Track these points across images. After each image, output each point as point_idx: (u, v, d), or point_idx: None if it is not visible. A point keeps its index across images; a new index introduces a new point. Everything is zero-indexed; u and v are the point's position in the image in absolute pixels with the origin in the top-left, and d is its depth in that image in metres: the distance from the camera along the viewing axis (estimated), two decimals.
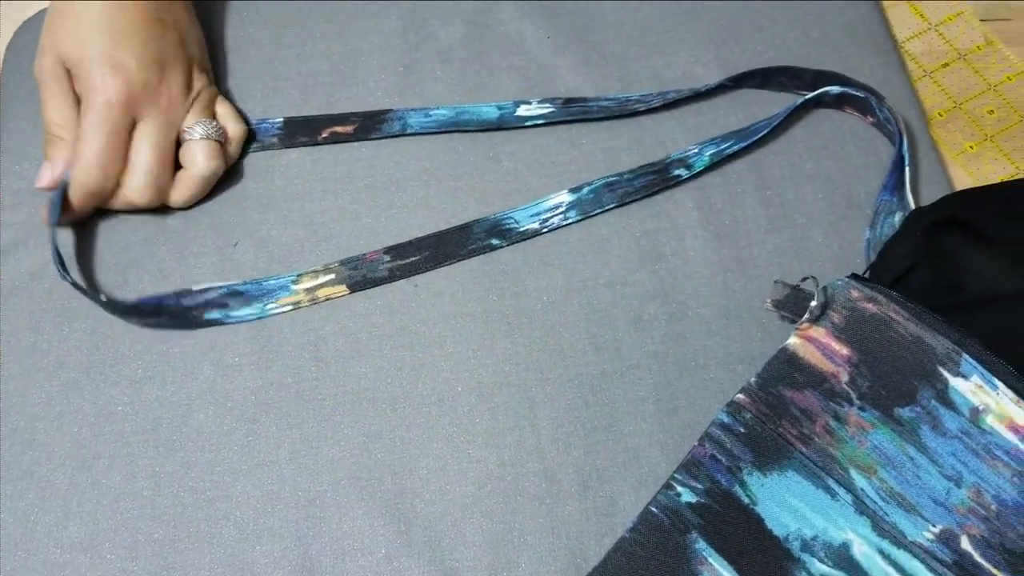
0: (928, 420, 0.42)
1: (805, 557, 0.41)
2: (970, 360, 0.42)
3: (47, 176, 0.48)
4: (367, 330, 0.49)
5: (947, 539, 0.41)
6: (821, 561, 0.41)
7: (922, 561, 0.41)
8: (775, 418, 0.42)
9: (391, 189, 0.52)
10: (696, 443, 0.42)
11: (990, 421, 0.42)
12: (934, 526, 0.41)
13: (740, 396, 0.43)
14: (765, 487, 0.41)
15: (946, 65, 0.57)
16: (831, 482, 0.42)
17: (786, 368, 0.43)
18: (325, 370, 0.48)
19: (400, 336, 0.48)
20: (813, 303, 0.43)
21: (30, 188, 0.52)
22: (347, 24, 0.57)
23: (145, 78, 0.47)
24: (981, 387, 0.42)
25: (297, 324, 0.49)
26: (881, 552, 0.41)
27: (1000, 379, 0.42)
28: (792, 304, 0.45)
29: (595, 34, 0.56)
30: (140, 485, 0.45)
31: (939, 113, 0.56)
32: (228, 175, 0.52)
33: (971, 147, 0.55)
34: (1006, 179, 0.54)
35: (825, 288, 0.44)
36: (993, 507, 0.41)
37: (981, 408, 0.42)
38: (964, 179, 0.54)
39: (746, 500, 0.41)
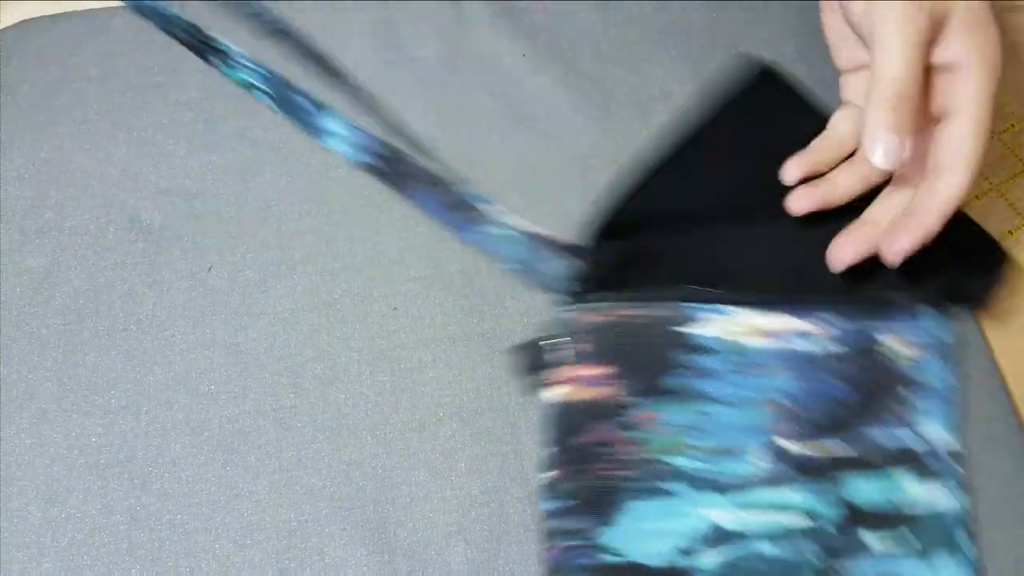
0: (695, 374, 0.44)
1: (692, 563, 0.41)
2: (693, 306, 0.45)
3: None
4: (346, 355, 0.48)
5: (773, 454, 0.43)
6: (705, 556, 0.41)
7: (769, 488, 0.42)
8: (587, 468, 0.43)
9: (368, 210, 0.51)
10: (545, 548, 0.42)
11: (743, 340, 0.45)
12: (757, 452, 0.43)
13: (548, 474, 0.43)
14: (621, 535, 0.42)
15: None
16: (660, 484, 0.42)
17: (567, 418, 0.44)
18: (304, 397, 0.47)
19: (379, 362, 0.48)
20: (552, 348, 0.44)
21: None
22: (319, 40, 0.56)
23: None
24: (716, 320, 0.45)
25: (274, 350, 0.48)
26: (740, 507, 0.42)
27: (723, 304, 0.45)
28: (540, 361, 0.45)
29: (570, 52, 0.56)
30: (116, 519, 0.44)
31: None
32: (202, 196, 0.52)
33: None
34: (980, 194, 0.55)
35: (556, 326, 0.45)
36: (788, 404, 0.44)
37: (726, 336, 0.45)
38: None
39: (616, 559, 0.41)
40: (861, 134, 0.40)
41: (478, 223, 0.49)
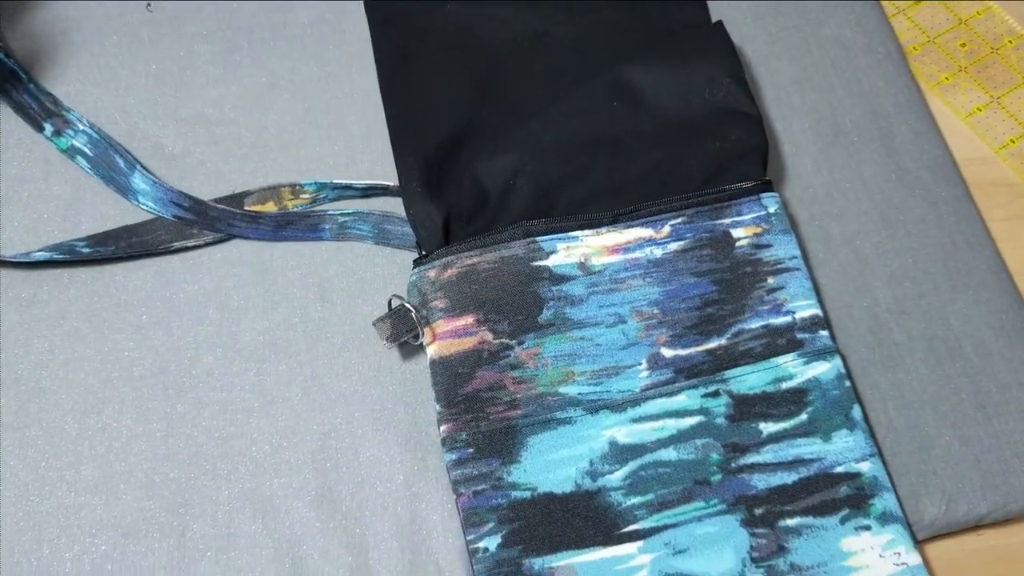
0: (564, 303, 0.45)
1: (600, 483, 0.42)
2: (543, 238, 0.46)
3: None
4: (371, 271, 0.49)
5: (655, 363, 0.45)
6: (610, 473, 0.42)
7: (658, 397, 0.44)
8: (480, 414, 0.43)
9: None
10: (455, 499, 0.42)
11: (596, 261, 0.46)
12: (640, 364, 0.45)
13: (442, 428, 0.43)
14: (528, 469, 0.42)
15: (919, 1, 0.59)
16: (557, 414, 0.43)
17: (447, 372, 0.44)
18: (332, 310, 0.48)
19: (403, 275, 0.49)
20: (412, 311, 0.44)
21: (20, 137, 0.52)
22: None
23: None
24: (568, 247, 0.46)
25: (301, 267, 0.49)
26: (634, 420, 0.43)
27: (573, 230, 0.46)
28: (403, 326, 0.44)
29: None
30: (152, 427, 0.45)
31: (913, 47, 0.58)
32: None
33: (946, 79, 0.57)
34: (981, 107, 0.56)
35: (410, 290, 0.45)
36: (656, 311, 0.46)
37: (582, 260, 0.46)
38: (942, 108, 0.56)
39: (528, 494, 0.42)
40: None
41: (319, 224, 0.49)
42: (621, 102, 0.50)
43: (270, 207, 0.50)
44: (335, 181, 0.50)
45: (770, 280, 0.46)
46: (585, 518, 0.41)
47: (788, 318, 0.46)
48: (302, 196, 0.50)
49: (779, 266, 0.47)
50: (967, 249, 0.50)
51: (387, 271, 0.49)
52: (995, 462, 0.45)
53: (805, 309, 0.46)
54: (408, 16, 0.53)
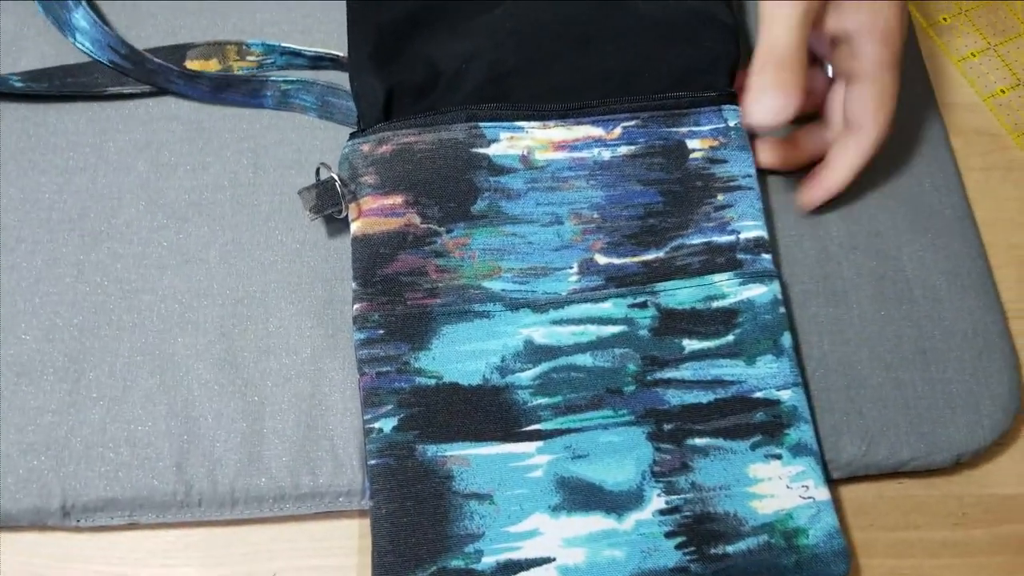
0: (500, 195, 0.43)
1: (509, 380, 0.41)
2: (487, 125, 0.44)
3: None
4: (309, 143, 0.47)
5: (586, 268, 0.43)
6: (521, 371, 0.41)
7: (583, 301, 0.42)
8: (397, 298, 0.41)
9: None
10: (359, 377, 0.40)
11: (539, 155, 0.44)
12: (570, 268, 0.43)
13: (356, 306, 0.41)
14: (437, 358, 0.41)
15: None
16: (476, 307, 0.42)
17: (367, 251, 0.42)
18: (263, 177, 0.46)
19: (337, 152, 0.47)
20: (338, 183, 0.42)
21: None
22: None
23: None
24: (512, 137, 0.44)
25: (238, 131, 0.47)
26: (554, 322, 0.42)
27: (519, 120, 0.44)
28: (328, 198, 0.42)
29: None
30: (62, 271, 0.44)
31: None
32: None
33: (944, 19, 0.54)
34: (976, 53, 0.53)
35: (341, 162, 0.43)
36: (595, 216, 0.43)
37: (525, 153, 0.44)
38: (934, 49, 0.53)
39: (433, 381, 0.40)
40: (744, 95, 0.42)
41: (260, 90, 0.47)
42: None
43: (213, 65, 0.48)
44: (284, 45, 0.48)
45: (720, 197, 0.44)
46: (487, 412, 0.40)
47: (731, 237, 0.43)
48: (248, 58, 0.48)
49: (731, 183, 0.44)
50: (933, 192, 0.47)
51: (325, 145, 0.47)
52: (926, 409, 0.43)
53: (751, 230, 0.44)
54: None
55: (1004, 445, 0.44)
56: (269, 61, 0.48)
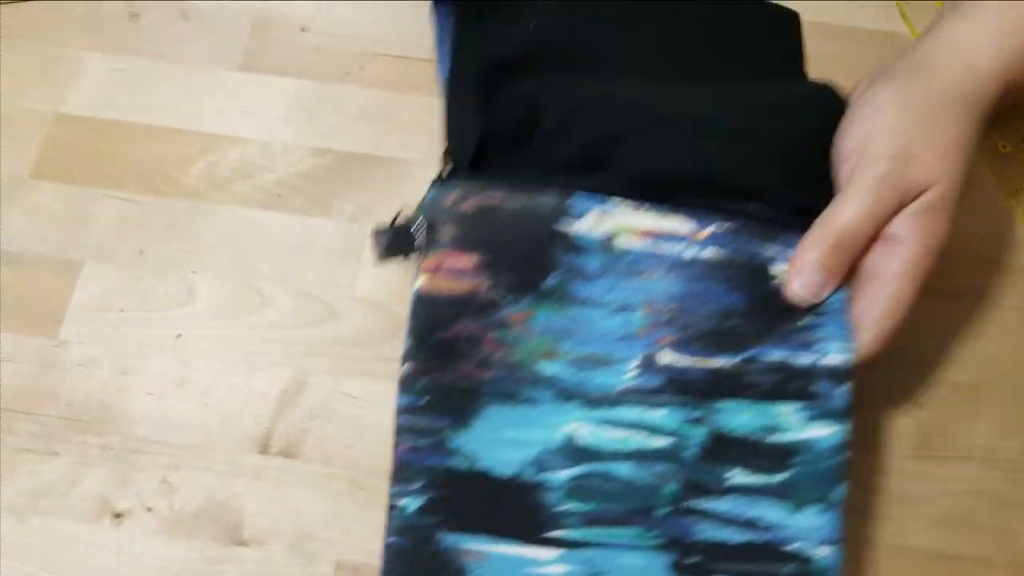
0: (574, 276, 0.40)
1: (542, 478, 0.39)
2: (578, 198, 0.40)
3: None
4: None
5: (647, 365, 0.40)
6: (556, 470, 0.39)
7: (637, 404, 0.39)
8: (447, 365, 0.39)
9: None
10: (394, 446, 0.38)
11: (622, 242, 0.41)
12: (630, 362, 0.40)
13: (405, 367, 0.38)
14: (475, 440, 0.38)
15: None
16: (526, 390, 0.39)
17: (431, 310, 0.39)
18: None
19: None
20: (416, 235, 0.39)
21: None
22: None
23: None
24: (600, 216, 0.41)
25: None
26: (601, 422, 0.39)
27: (611, 197, 0.41)
28: (401, 244, 0.39)
29: None
30: None
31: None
32: None
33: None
34: None
35: (423, 208, 0.40)
36: (669, 307, 0.40)
37: (609, 235, 0.41)
38: None
39: (465, 465, 0.38)
40: (792, 260, 0.40)
41: None
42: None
43: None
44: None
45: (807, 318, 0.41)
46: (514, 509, 0.38)
47: (812, 358, 0.40)
48: None
49: (819, 306, 0.41)
50: None
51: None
52: None
53: (835, 354, 0.40)
54: None
55: None
56: None
